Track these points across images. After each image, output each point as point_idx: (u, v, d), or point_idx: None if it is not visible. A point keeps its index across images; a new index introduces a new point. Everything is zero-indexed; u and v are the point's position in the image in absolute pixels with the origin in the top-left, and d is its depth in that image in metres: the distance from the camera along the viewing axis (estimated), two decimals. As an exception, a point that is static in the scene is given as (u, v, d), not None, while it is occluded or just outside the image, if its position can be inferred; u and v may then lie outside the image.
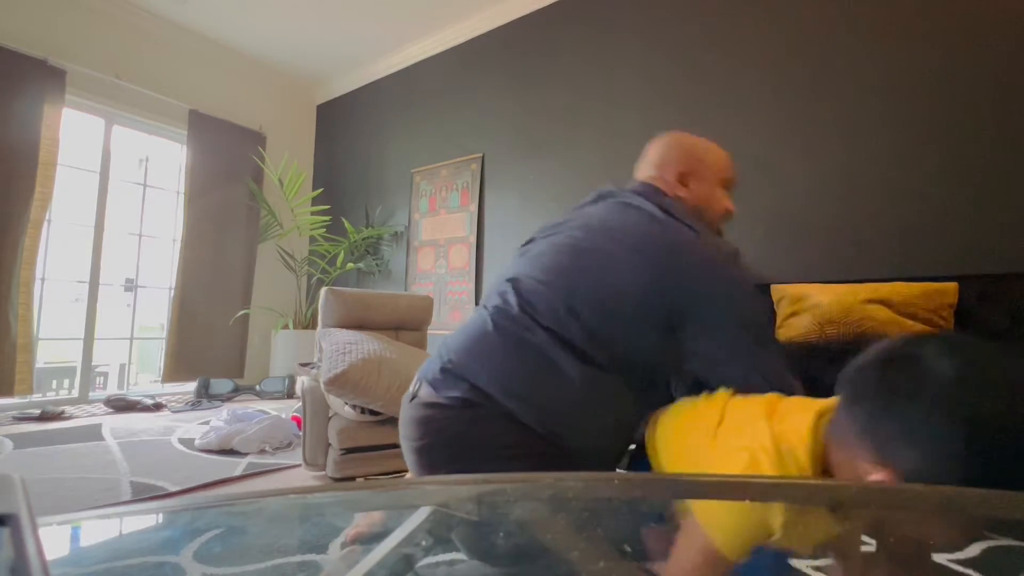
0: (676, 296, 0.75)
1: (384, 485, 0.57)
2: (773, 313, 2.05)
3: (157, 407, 3.31)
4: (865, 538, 0.36)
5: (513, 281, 0.86)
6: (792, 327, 1.86)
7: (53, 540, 0.32)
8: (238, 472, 1.96)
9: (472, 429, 0.78)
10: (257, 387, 3.82)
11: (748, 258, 2.80)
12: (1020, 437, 0.39)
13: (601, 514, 0.42)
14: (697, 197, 0.96)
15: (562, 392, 0.77)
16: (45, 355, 3.79)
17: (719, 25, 2.68)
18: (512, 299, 0.83)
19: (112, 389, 4.17)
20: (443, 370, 0.83)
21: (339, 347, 1.78)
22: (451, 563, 0.32)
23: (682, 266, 0.76)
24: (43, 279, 3.38)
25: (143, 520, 0.40)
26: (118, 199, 3.84)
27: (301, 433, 1.96)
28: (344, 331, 1.92)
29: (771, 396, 0.66)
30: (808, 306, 1.87)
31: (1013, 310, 1.81)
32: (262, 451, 2.24)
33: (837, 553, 0.34)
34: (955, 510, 0.41)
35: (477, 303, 3.53)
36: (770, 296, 2.10)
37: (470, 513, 0.40)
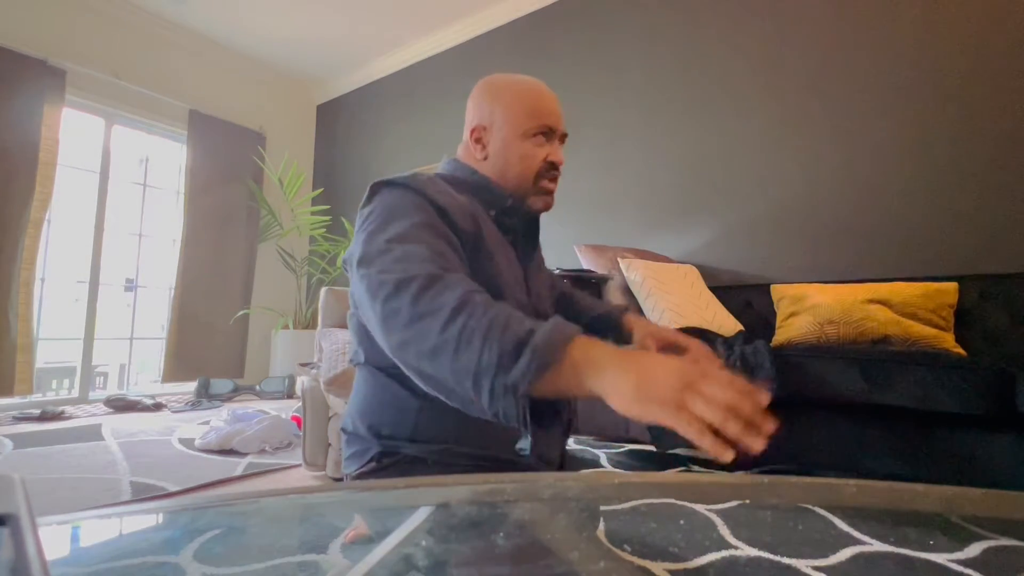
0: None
1: (384, 485, 0.57)
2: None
3: (157, 407, 3.31)
4: (865, 538, 0.36)
5: None
6: (792, 327, 1.86)
7: (53, 540, 0.32)
8: (238, 472, 1.96)
9: None
10: (257, 387, 3.82)
11: (749, 258, 2.79)
12: None
13: (601, 514, 0.42)
14: (496, 154, 0.82)
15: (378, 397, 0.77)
16: (45, 355, 3.79)
17: (719, 25, 2.68)
18: None
19: (112, 389, 4.17)
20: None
21: (339, 347, 1.78)
22: (451, 563, 0.32)
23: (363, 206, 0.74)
24: (43, 279, 3.38)
25: (143, 520, 0.40)
26: (118, 199, 3.84)
27: (301, 433, 1.96)
28: (344, 331, 1.92)
29: None
30: (808, 306, 1.87)
31: (1013, 310, 1.81)
32: (262, 451, 2.24)
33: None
34: (955, 510, 0.41)
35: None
36: (770, 295, 2.10)
37: (470, 513, 0.40)
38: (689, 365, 0.47)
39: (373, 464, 0.75)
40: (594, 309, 1.00)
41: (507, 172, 0.81)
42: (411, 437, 0.73)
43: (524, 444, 0.52)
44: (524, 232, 0.87)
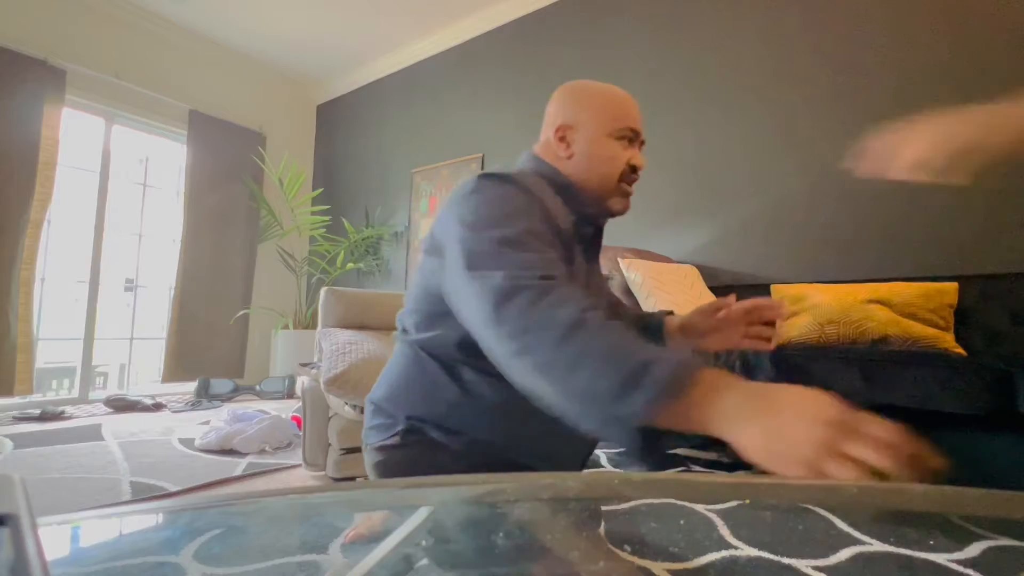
0: (435, 234, 0.72)
1: (384, 485, 0.57)
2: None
3: (157, 407, 3.31)
4: (865, 538, 0.36)
5: None
6: (792, 327, 1.86)
7: (53, 540, 0.32)
8: (238, 472, 1.96)
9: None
10: (257, 387, 3.82)
11: (749, 258, 2.79)
12: None
13: (601, 514, 0.42)
14: (582, 153, 0.82)
15: (425, 387, 0.76)
16: (45, 355, 3.79)
17: (718, 24, 2.68)
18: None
19: (112, 389, 4.17)
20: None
21: (339, 347, 1.78)
22: (451, 563, 0.32)
23: (445, 206, 0.73)
24: (43, 279, 3.38)
25: (143, 520, 0.40)
26: (118, 199, 3.84)
27: (301, 433, 1.96)
28: (344, 331, 1.92)
29: None
30: (808, 306, 1.87)
31: (1013, 310, 1.81)
32: (262, 451, 2.24)
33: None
34: (955, 510, 0.41)
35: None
36: (770, 295, 2.09)
37: (470, 513, 0.40)
38: (832, 411, 0.41)
39: (397, 439, 0.76)
40: (636, 313, 1.01)
41: (591, 171, 0.82)
42: (440, 423, 0.74)
43: (634, 470, 0.51)
44: (592, 239, 0.87)
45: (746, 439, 0.43)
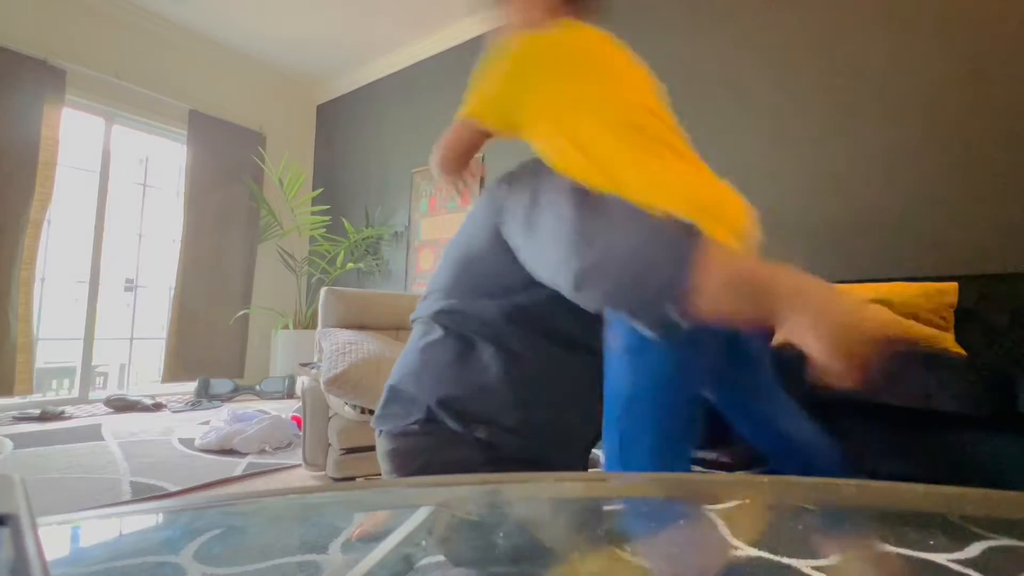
0: (499, 202, 0.72)
1: (384, 485, 0.57)
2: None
3: (157, 407, 3.31)
4: (867, 538, 0.36)
5: None
6: (792, 327, 1.86)
7: (53, 540, 0.32)
8: (238, 472, 1.96)
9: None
10: (257, 387, 3.82)
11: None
12: None
13: (601, 514, 0.42)
14: None
15: (445, 367, 0.76)
16: (45, 355, 3.79)
17: (719, 25, 2.68)
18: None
19: (112, 389, 4.17)
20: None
21: (339, 347, 1.78)
22: (451, 563, 0.32)
23: (512, 176, 0.74)
24: (43, 279, 3.38)
25: (143, 520, 0.40)
26: (118, 199, 3.84)
27: (301, 433, 1.96)
28: (344, 331, 1.92)
29: None
30: (808, 306, 1.86)
31: (1013, 310, 1.81)
32: (262, 451, 2.24)
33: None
34: (955, 510, 0.41)
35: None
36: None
37: (470, 513, 0.40)
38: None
39: (416, 427, 0.76)
40: None
41: None
42: (458, 409, 0.74)
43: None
44: None
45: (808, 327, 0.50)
